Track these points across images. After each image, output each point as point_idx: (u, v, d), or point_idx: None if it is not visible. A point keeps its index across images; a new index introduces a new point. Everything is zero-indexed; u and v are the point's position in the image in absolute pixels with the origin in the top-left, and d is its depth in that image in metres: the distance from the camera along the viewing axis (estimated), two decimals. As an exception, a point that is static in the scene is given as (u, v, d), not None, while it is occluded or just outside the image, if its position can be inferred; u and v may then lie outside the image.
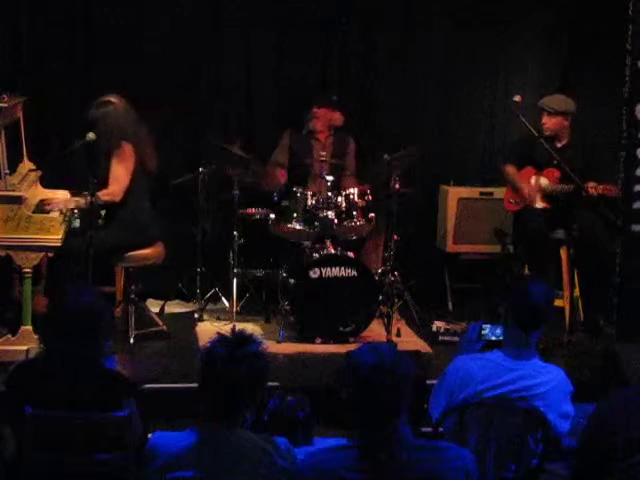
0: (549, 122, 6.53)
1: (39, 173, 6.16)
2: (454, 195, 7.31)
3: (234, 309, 6.38)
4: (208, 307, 6.72)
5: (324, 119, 6.85)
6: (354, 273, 6.10)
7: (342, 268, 6.10)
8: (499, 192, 7.07)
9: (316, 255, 6.20)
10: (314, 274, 6.08)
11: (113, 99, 5.85)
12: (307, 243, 6.46)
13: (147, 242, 5.93)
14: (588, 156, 6.53)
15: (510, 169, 6.72)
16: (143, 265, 5.98)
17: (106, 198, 5.72)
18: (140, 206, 5.88)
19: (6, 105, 5.53)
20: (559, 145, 6.57)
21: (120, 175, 5.76)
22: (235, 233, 6.43)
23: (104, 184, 5.75)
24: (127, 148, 5.77)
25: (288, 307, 6.15)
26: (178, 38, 7.08)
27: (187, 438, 2.94)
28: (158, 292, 6.79)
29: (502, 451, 3.53)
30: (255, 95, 7.27)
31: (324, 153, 6.62)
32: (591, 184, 6.26)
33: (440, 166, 7.51)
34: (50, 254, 5.50)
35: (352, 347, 3.05)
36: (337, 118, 6.91)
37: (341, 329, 6.10)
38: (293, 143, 6.88)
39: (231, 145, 6.47)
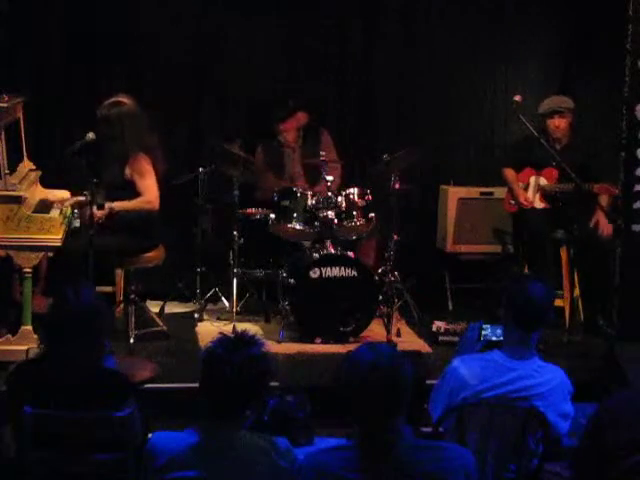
0: (562, 123, 6.50)
1: (39, 173, 6.16)
2: (454, 195, 7.31)
3: (234, 309, 6.38)
4: (208, 307, 6.72)
5: (292, 128, 6.86)
6: (354, 273, 6.10)
7: (342, 268, 6.10)
8: (499, 192, 7.07)
9: (316, 255, 6.20)
10: (314, 274, 6.08)
11: (125, 100, 5.82)
12: (307, 243, 6.47)
13: (152, 246, 5.94)
14: (588, 156, 6.53)
15: (509, 173, 6.72)
16: (144, 267, 5.99)
17: (147, 206, 5.74)
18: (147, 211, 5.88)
19: (6, 105, 5.53)
20: (559, 146, 6.57)
21: (150, 185, 5.77)
22: (235, 233, 6.43)
23: (110, 186, 5.75)
24: (144, 159, 5.75)
25: (288, 307, 6.16)
26: (178, 38, 7.09)
27: (187, 438, 2.94)
28: (158, 292, 6.79)
29: (502, 451, 3.53)
30: (255, 95, 7.27)
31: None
32: (591, 184, 6.26)
33: (440, 166, 7.51)
34: (50, 254, 5.50)
35: (352, 347, 3.04)
36: (301, 119, 6.91)
37: (341, 329, 6.10)
38: (266, 157, 6.92)
39: (231, 145, 6.47)
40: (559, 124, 6.51)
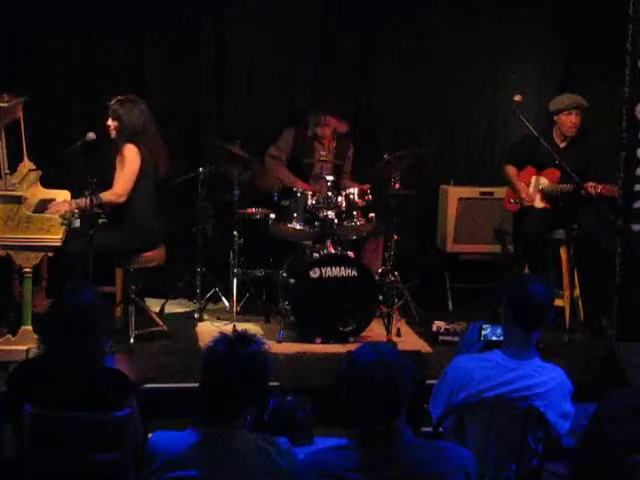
0: (579, 119, 6.51)
1: (39, 173, 6.16)
2: (454, 195, 7.31)
3: (234, 309, 6.38)
4: (208, 307, 6.73)
5: (331, 127, 6.81)
6: (354, 273, 6.10)
7: (342, 268, 6.10)
8: (499, 192, 7.08)
9: (316, 255, 6.20)
10: (314, 274, 6.08)
11: (134, 97, 5.82)
12: (307, 243, 6.47)
13: (152, 246, 5.94)
14: (588, 156, 6.53)
15: (510, 169, 6.73)
16: (145, 267, 5.99)
17: (111, 198, 5.70)
18: (147, 210, 5.86)
19: (6, 105, 5.52)
20: (563, 145, 6.56)
21: (124, 177, 5.71)
22: (235, 233, 6.43)
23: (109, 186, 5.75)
24: (130, 149, 5.71)
25: (288, 307, 6.15)
26: (178, 38, 7.09)
27: (187, 438, 2.94)
28: (158, 292, 6.79)
29: (502, 451, 3.53)
30: (256, 94, 7.28)
31: (324, 153, 6.63)
32: (590, 184, 6.26)
33: (440, 166, 7.51)
34: (50, 254, 5.50)
35: (352, 347, 3.04)
36: (343, 126, 6.88)
37: (341, 329, 6.10)
38: (297, 142, 6.85)
39: (231, 145, 6.47)
40: (576, 120, 6.51)
